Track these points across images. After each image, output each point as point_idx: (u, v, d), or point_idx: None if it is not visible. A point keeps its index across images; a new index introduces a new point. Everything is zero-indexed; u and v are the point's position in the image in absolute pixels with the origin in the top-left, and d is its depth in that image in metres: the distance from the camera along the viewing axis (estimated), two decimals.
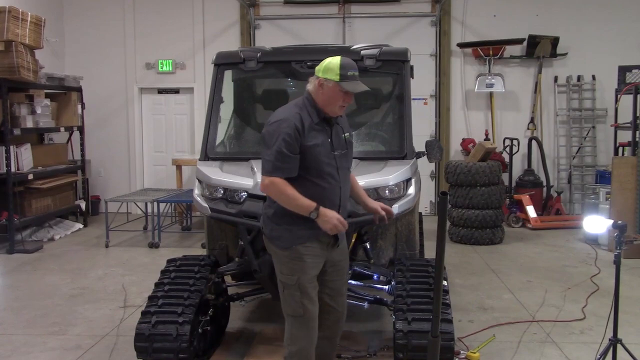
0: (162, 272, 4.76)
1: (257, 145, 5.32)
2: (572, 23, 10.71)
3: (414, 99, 11.58)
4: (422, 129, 11.01)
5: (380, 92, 5.42)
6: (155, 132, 11.63)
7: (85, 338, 5.21)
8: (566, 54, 10.72)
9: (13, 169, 8.59)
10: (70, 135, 10.40)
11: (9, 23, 8.05)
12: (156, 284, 4.61)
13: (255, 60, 5.12)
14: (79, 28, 11.44)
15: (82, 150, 10.38)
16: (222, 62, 5.26)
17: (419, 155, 4.98)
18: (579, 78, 10.78)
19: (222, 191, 4.60)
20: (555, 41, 10.54)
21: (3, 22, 8.04)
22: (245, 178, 4.53)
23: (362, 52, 5.09)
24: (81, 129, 10.31)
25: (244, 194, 4.49)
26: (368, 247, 4.76)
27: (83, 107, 10.28)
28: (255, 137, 5.62)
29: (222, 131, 5.30)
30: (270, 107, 5.86)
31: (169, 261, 4.89)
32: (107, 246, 8.79)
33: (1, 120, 8.32)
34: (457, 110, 11.09)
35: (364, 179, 4.49)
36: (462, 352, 4.79)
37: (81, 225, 10.18)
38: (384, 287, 4.78)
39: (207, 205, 4.63)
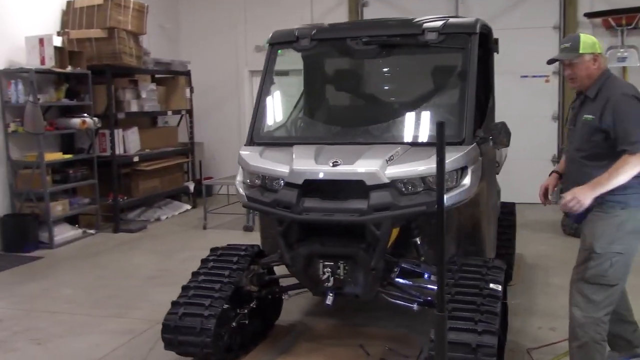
0: (202, 261, 4.62)
1: (309, 130, 4.98)
2: None
3: (533, 77, 10.68)
4: (542, 109, 10.06)
5: (444, 69, 4.85)
6: None
7: (142, 322, 5.21)
8: None
9: (120, 152, 8.96)
10: (181, 118, 10.68)
11: (111, 11, 8.34)
12: (193, 274, 4.48)
13: (309, 38, 4.77)
14: (193, 13, 11.69)
15: (191, 133, 10.61)
16: (276, 42, 4.97)
17: (484, 140, 4.38)
18: None
19: (260, 178, 4.33)
20: None
21: (106, 10, 8.34)
22: (283, 165, 4.22)
23: (424, 25, 4.55)
24: (190, 112, 10.54)
25: (282, 182, 4.19)
26: (418, 242, 4.28)
27: (192, 91, 10.49)
28: (322, 119, 5.26)
29: (280, 114, 5.03)
30: (342, 89, 5.49)
31: (212, 250, 4.74)
32: (204, 228, 8.91)
33: (106, 105, 8.67)
34: None
35: (410, 166, 4.01)
36: None
37: (189, 207, 10.43)
38: (435, 287, 4.27)
39: (244, 193, 4.39)
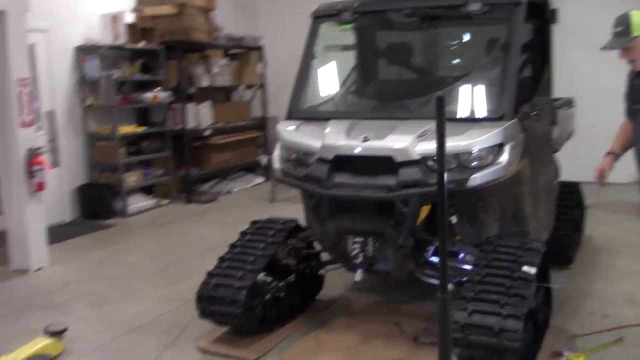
0: (241, 233, 4.71)
1: (347, 104, 4.91)
2: None
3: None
4: (624, 84, 9.39)
5: (487, 42, 4.64)
6: None
7: (191, 291, 5.32)
8: None
9: (191, 126, 9.23)
10: (254, 93, 10.84)
11: None
12: (230, 245, 4.58)
13: (351, 11, 4.70)
14: None
15: (264, 107, 10.75)
16: (319, 15, 4.93)
17: (527, 116, 4.17)
18: None
19: (296, 153, 4.35)
20: None
21: None
22: (316, 140, 4.21)
23: None
24: (263, 87, 10.67)
25: (315, 157, 4.19)
26: (453, 221, 4.15)
27: (264, 66, 10.60)
28: (360, 94, 5.19)
29: (320, 89, 4.99)
30: (381, 63, 5.39)
31: (252, 222, 4.82)
32: (272, 201, 9.05)
33: (178, 80, 8.94)
34: None
35: None
36: (565, 353, 4.00)
37: (262, 180, 10.61)
38: (470, 267, 4.16)
39: (279, 168, 4.43)
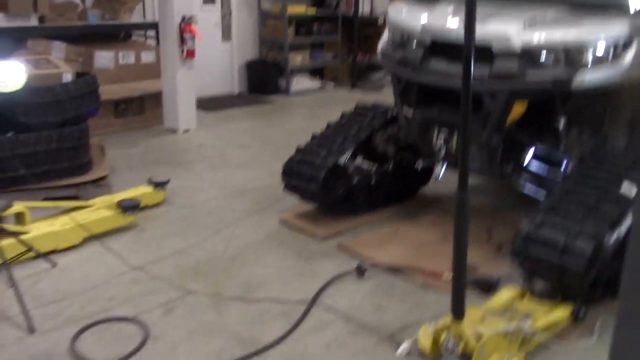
0: (342, 114, 4.61)
1: None
2: None
3: None
4: None
5: None
6: None
7: None
8: None
9: (365, 12, 9.03)
10: None
11: None
12: (327, 125, 4.52)
13: None
14: None
15: None
16: None
17: None
18: None
19: (400, 35, 4.05)
20: None
21: None
22: (419, 21, 3.85)
23: None
24: None
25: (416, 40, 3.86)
26: (560, 127, 3.62)
27: None
28: None
29: None
30: None
31: (356, 106, 4.69)
32: None
33: None
34: None
35: (550, 32, 3.34)
36: None
37: None
38: None
39: (380, 49, 4.18)
